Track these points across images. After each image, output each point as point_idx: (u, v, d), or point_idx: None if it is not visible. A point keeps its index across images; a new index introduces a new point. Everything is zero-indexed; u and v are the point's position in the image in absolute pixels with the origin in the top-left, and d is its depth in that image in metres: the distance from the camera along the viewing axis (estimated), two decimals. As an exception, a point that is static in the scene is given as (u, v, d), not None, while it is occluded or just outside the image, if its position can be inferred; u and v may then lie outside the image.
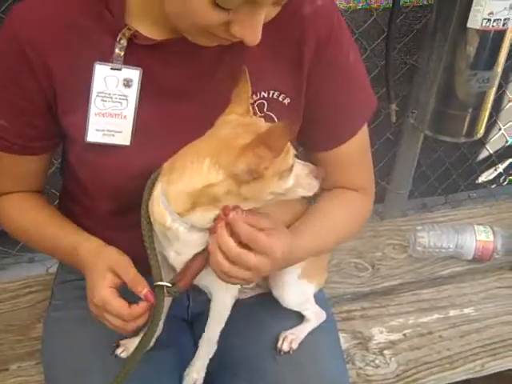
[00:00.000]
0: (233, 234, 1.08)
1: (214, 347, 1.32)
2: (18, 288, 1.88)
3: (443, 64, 2.29)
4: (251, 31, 1.04)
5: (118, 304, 1.16)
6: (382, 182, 2.90)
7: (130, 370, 1.21)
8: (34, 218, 1.35)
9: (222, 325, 1.30)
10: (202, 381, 1.34)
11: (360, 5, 2.72)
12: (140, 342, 1.23)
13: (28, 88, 1.20)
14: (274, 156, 1.01)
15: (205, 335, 1.31)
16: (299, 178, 1.10)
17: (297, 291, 1.40)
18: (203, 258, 1.14)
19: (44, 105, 1.22)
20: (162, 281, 1.17)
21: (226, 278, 1.12)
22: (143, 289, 1.16)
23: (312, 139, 1.37)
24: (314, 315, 1.46)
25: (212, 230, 1.09)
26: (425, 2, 2.72)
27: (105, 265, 1.19)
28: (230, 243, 1.08)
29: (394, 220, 2.39)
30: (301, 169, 1.11)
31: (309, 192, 1.13)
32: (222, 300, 1.26)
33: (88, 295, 1.21)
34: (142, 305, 1.16)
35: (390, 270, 2.07)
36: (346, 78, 1.33)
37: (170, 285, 1.16)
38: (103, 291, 1.16)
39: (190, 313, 1.50)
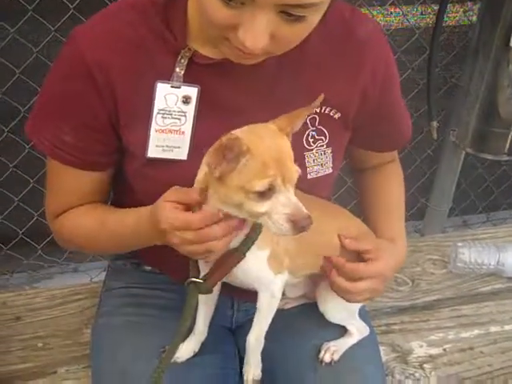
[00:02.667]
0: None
1: (262, 343, 1.33)
2: (67, 295, 1.94)
3: (485, 82, 2.30)
4: (252, 35, 1.06)
5: (179, 213, 1.13)
6: (422, 198, 2.91)
7: (166, 364, 1.25)
8: (95, 213, 1.37)
9: (270, 320, 1.30)
10: (260, 374, 1.36)
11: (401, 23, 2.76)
12: (175, 335, 1.26)
13: (93, 106, 1.25)
14: (225, 165, 1.03)
15: (252, 331, 1.31)
16: (273, 212, 1.05)
17: (342, 307, 1.42)
18: (232, 258, 1.19)
19: (108, 121, 1.27)
20: (198, 278, 1.22)
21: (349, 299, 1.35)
22: (194, 193, 1.13)
23: (357, 142, 1.45)
24: (358, 330, 1.47)
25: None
26: (467, 21, 2.74)
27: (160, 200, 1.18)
28: (340, 282, 1.31)
29: (434, 236, 2.39)
30: (282, 205, 1.05)
31: (275, 230, 1.06)
32: (270, 293, 1.28)
33: (164, 235, 1.16)
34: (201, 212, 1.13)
35: (430, 285, 2.08)
36: (395, 103, 1.44)
37: (201, 281, 1.22)
38: (167, 210, 1.13)
39: (233, 322, 1.53)
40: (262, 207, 1.05)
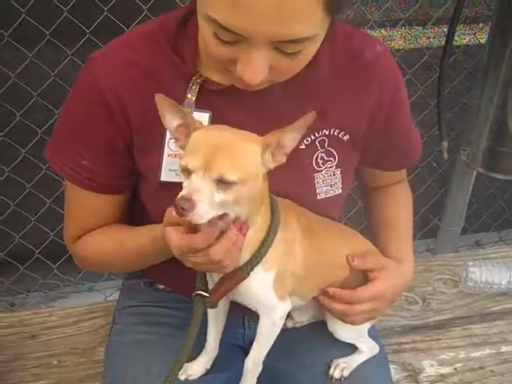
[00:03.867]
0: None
1: (260, 368, 1.35)
2: (82, 313, 1.96)
3: (495, 102, 2.32)
4: (249, 71, 1.10)
5: (182, 237, 1.14)
6: (434, 218, 2.91)
7: (173, 379, 1.26)
8: (116, 235, 1.39)
9: (269, 345, 1.32)
10: None
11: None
12: (181, 348, 1.26)
13: (108, 131, 1.28)
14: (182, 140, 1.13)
15: (250, 355, 1.34)
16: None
17: (352, 327, 1.42)
18: (236, 276, 1.21)
19: (123, 146, 1.30)
20: (204, 291, 1.25)
21: (349, 322, 1.38)
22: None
23: (366, 161, 1.47)
24: (368, 348, 1.49)
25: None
26: (477, 42, 2.76)
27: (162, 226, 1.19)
28: (336, 306, 1.35)
29: (445, 255, 2.40)
30: (185, 187, 1.06)
31: None
32: (271, 320, 1.29)
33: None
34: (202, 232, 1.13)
35: (441, 305, 2.08)
36: (404, 123, 1.45)
37: (207, 295, 1.24)
38: (171, 234, 1.14)
39: (244, 340, 1.55)
40: (184, 186, 1.06)
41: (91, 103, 1.27)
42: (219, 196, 1.05)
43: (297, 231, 1.26)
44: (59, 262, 2.59)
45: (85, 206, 1.39)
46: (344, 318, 1.38)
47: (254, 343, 1.33)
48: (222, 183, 1.04)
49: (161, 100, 1.11)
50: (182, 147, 1.12)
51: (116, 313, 1.64)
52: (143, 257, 1.38)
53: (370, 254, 1.41)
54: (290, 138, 1.11)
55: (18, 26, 2.18)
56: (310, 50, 1.12)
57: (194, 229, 1.13)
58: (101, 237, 1.40)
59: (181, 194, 1.04)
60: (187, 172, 1.06)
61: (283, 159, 1.13)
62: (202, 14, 1.08)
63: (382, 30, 2.78)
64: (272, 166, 1.12)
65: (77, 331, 1.90)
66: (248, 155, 1.08)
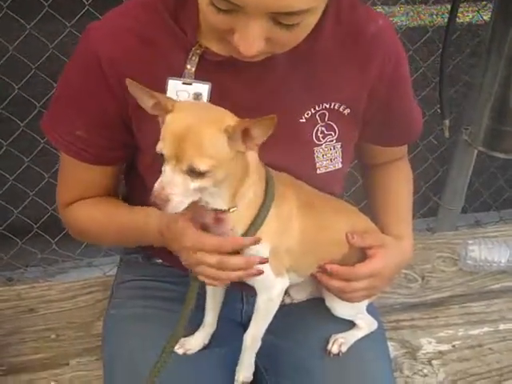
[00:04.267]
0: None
1: (258, 344, 1.35)
2: (79, 288, 1.96)
3: (498, 80, 2.29)
4: (245, 42, 1.08)
5: (209, 236, 1.18)
6: (435, 197, 2.90)
7: (169, 352, 1.28)
8: (105, 208, 1.39)
9: (268, 322, 1.32)
10: (251, 377, 1.37)
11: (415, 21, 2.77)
12: (177, 322, 1.28)
13: (104, 101, 1.27)
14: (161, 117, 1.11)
15: (249, 331, 1.33)
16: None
17: (350, 304, 1.41)
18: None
19: (119, 117, 1.29)
20: None
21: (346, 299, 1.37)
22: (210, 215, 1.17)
23: (366, 136, 1.45)
24: (366, 324, 1.48)
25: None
26: (480, 19, 2.73)
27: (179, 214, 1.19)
28: (334, 283, 1.33)
29: (445, 233, 2.39)
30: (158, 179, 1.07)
31: None
32: (267, 296, 1.29)
33: (179, 250, 1.22)
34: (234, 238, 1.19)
35: (440, 283, 2.08)
36: (405, 98, 1.44)
37: None
38: (191, 230, 1.17)
39: (243, 315, 1.54)
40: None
41: (88, 73, 1.26)
42: (194, 184, 1.05)
43: (294, 206, 1.25)
44: (58, 237, 2.58)
45: (77, 175, 1.38)
46: (341, 295, 1.37)
47: (252, 319, 1.32)
48: (194, 173, 1.04)
49: (131, 85, 1.09)
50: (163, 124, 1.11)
51: (114, 287, 1.63)
52: (131, 236, 1.38)
53: (368, 232, 1.40)
54: (255, 131, 1.05)
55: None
56: (309, 22, 1.10)
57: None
58: (92, 208, 1.40)
59: (154, 187, 1.05)
60: (162, 158, 1.06)
61: (254, 149, 1.10)
62: None
63: (386, 7, 2.75)
64: (244, 150, 1.09)
65: (75, 305, 1.90)
66: (213, 142, 1.05)
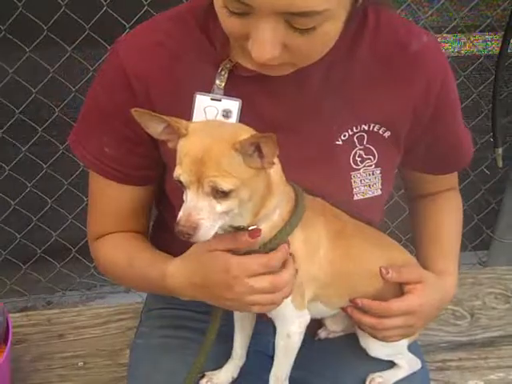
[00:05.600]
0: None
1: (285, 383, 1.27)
2: (110, 314, 1.92)
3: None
4: (258, 46, 1.03)
5: (254, 256, 1.12)
6: (487, 229, 2.80)
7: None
8: (127, 250, 1.35)
9: (291, 359, 1.25)
10: None
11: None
12: (199, 352, 1.26)
13: (132, 118, 1.22)
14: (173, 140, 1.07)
15: (272, 371, 1.27)
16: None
17: (385, 344, 1.33)
18: None
19: (147, 134, 1.23)
20: None
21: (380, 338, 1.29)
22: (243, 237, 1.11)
23: (411, 164, 1.38)
24: (408, 363, 1.39)
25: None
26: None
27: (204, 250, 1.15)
28: (365, 319, 1.26)
29: (497, 268, 2.26)
30: (184, 205, 1.02)
31: None
32: (286, 332, 1.22)
33: (225, 290, 1.14)
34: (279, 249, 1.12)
35: (491, 321, 1.96)
36: (452, 121, 1.35)
37: None
38: (233, 258, 1.11)
39: (273, 348, 1.46)
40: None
41: (115, 87, 1.23)
42: (221, 206, 1.01)
43: (323, 234, 1.18)
44: (95, 262, 2.57)
45: (105, 198, 1.34)
46: (374, 332, 1.28)
47: (274, 358, 1.26)
48: (219, 194, 1.00)
49: (138, 113, 1.05)
50: (175, 148, 1.06)
51: (142, 315, 1.60)
52: (150, 287, 1.35)
53: (406, 266, 1.31)
54: (264, 148, 1.00)
55: (58, 21, 2.16)
56: (327, 29, 1.03)
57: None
58: (114, 250, 1.36)
59: (178, 217, 1.01)
60: (181, 185, 1.02)
61: (269, 167, 1.04)
62: None
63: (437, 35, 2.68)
64: (260, 167, 1.03)
65: (105, 332, 1.87)
66: (229, 159, 1.00)
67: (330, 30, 1.05)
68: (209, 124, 1.11)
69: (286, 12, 0.98)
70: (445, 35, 2.65)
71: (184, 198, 1.03)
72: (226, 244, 1.12)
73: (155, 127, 1.06)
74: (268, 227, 1.11)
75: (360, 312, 1.26)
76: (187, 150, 1.02)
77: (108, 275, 1.45)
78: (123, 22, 2.19)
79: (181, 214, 1.01)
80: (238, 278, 1.11)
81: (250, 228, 1.10)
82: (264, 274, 1.11)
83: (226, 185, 0.99)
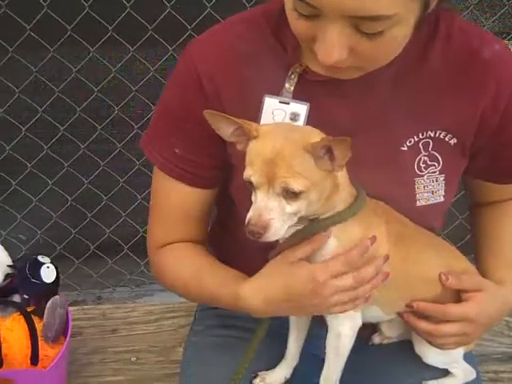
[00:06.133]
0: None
1: None
2: (163, 311, 1.93)
3: None
4: (324, 48, 1.03)
5: (335, 257, 1.13)
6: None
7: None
8: (193, 266, 1.34)
9: (341, 361, 1.24)
10: None
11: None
12: (250, 344, 1.27)
13: (202, 118, 1.21)
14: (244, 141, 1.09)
15: (323, 372, 1.26)
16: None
17: (441, 352, 1.31)
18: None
19: (216, 134, 1.23)
20: None
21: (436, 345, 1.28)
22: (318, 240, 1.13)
23: (474, 171, 1.35)
24: (463, 372, 1.37)
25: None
26: None
27: (281, 263, 1.17)
28: (421, 324, 1.25)
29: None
30: (253, 206, 1.03)
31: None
32: (338, 331, 1.22)
33: (305, 299, 1.15)
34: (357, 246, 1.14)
35: (547, 334, 1.90)
36: None
37: None
38: (315, 266, 1.13)
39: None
40: (253, 202, 1.04)
41: (187, 87, 1.24)
42: (291, 207, 1.02)
43: (383, 235, 1.17)
44: (147, 259, 2.59)
45: (170, 201, 1.34)
46: (430, 339, 1.27)
47: (325, 359, 1.25)
48: (289, 194, 1.01)
49: (210, 115, 1.07)
50: (244, 150, 1.08)
51: (197, 313, 1.61)
52: (219, 305, 1.34)
53: (466, 273, 1.28)
54: (335, 152, 1.01)
55: (121, 22, 2.20)
56: (394, 34, 1.03)
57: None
58: (181, 262, 1.35)
59: (248, 216, 1.02)
60: (251, 186, 1.04)
61: (339, 170, 1.05)
62: None
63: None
64: (331, 169, 1.05)
65: (157, 329, 1.88)
66: (301, 161, 1.02)
67: (398, 35, 1.05)
68: (279, 126, 1.11)
69: (354, 16, 0.98)
70: (506, 42, 2.60)
71: (253, 198, 1.04)
72: (304, 250, 1.14)
73: (226, 129, 1.07)
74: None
75: (417, 317, 1.25)
76: (259, 151, 1.03)
77: (170, 288, 1.42)
78: (185, 23, 2.21)
79: (251, 213, 1.02)
80: (324, 283, 1.12)
81: None
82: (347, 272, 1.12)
83: (297, 186, 1.00)
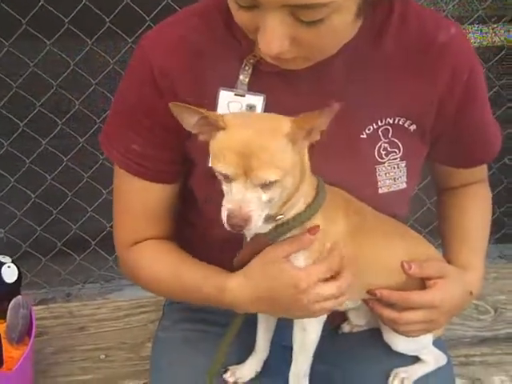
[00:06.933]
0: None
1: (305, 381, 1.26)
2: (132, 307, 1.92)
3: None
4: (265, 40, 1.03)
5: (318, 264, 1.14)
6: (510, 222, 2.77)
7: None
8: (171, 264, 1.31)
9: (308, 355, 1.24)
10: None
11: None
12: (224, 339, 1.26)
13: (157, 111, 1.21)
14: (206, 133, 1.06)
15: (291, 369, 1.26)
16: (224, 202, 1.03)
17: (410, 339, 1.31)
18: (258, 240, 1.15)
19: (173, 127, 1.21)
20: None
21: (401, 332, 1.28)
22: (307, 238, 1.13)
23: (437, 156, 1.36)
24: (433, 358, 1.37)
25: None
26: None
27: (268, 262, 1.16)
28: (386, 312, 1.25)
29: (521, 262, 2.24)
30: (230, 198, 1.02)
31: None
32: (304, 325, 1.21)
33: (286, 302, 1.15)
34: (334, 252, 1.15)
35: (515, 315, 1.93)
36: (479, 112, 1.32)
37: None
38: (298, 271, 1.13)
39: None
40: (224, 189, 1.03)
41: (142, 82, 1.22)
42: (266, 195, 1.01)
43: (341, 226, 1.17)
44: (115, 254, 2.57)
45: (132, 197, 1.31)
46: (395, 327, 1.27)
47: (293, 355, 1.25)
48: (265, 184, 1.00)
49: (174, 106, 1.04)
50: (207, 140, 1.06)
51: (165, 308, 1.59)
52: (202, 301, 1.30)
53: (429, 261, 1.28)
54: (320, 122, 1.02)
55: (78, 14, 2.16)
56: (335, 22, 1.02)
57: None
58: (156, 262, 1.32)
59: (227, 210, 1.01)
60: (224, 177, 1.01)
61: (317, 137, 1.05)
62: None
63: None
64: (306, 145, 1.06)
65: (126, 325, 1.86)
66: (280, 151, 1.01)
67: (339, 23, 1.03)
68: (246, 116, 1.10)
69: (291, 5, 0.97)
70: (467, 26, 2.62)
71: (225, 189, 1.03)
72: (291, 249, 1.13)
73: (190, 119, 1.05)
74: (293, 215, 1.12)
75: (381, 305, 1.25)
76: (229, 143, 1.01)
77: (146, 288, 1.39)
78: (144, 14, 2.17)
79: (230, 206, 1.00)
80: (307, 290, 1.12)
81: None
82: (329, 279, 1.13)
83: (274, 176, 0.99)
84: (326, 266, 1.13)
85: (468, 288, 1.34)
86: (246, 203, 1.00)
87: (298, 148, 1.03)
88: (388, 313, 1.24)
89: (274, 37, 1.01)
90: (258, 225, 1.02)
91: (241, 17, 1.05)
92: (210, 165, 1.05)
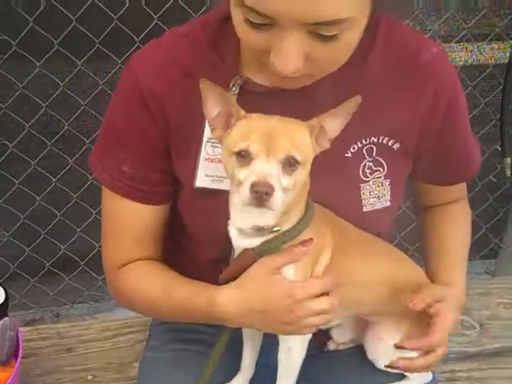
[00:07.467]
0: None
1: None
2: (119, 327, 1.92)
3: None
4: (281, 58, 1.03)
5: (315, 278, 1.17)
6: (495, 238, 2.78)
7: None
8: (160, 282, 1.30)
9: (293, 375, 1.24)
10: None
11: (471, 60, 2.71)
12: (210, 358, 1.26)
13: (148, 133, 1.23)
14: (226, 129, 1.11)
15: None
16: (245, 180, 1.03)
17: (393, 356, 1.32)
18: (245, 256, 1.16)
19: (163, 148, 1.24)
20: None
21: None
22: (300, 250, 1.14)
23: (418, 174, 1.38)
24: (418, 375, 1.38)
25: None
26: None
27: (261, 274, 1.16)
28: (419, 364, 1.31)
29: (506, 278, 2.25)
30: (253, 173, 1.02)
31: (240, 200, 1.05)
32: (288, 345, 1.22)
33: (279, 314, 1.16)
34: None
35: (501, 331, 1.94)
36: (461, 131, 1.35)
37: None
38: (294, 282, 1.15)
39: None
40: (241, 173, 1.04)
41: (131, 104, 1.23)
42: (285, 180, 1.03)
43: (325, 245, 1.18)
44: (104, 275, 2.56)
45: (120, 219, 1.31)
46: (430, 369, 1.35)
47: (277, 374, 1.25)
48: (286, 166, 1.03)
49: (205, 85, 1.08)
50: (219, 137, 1.11)
51: (152, 328, 1.59)
52: (193, 317, 1.29)
53: (424, 289, 1.30)
54: (332, 123, 1.09)
55: (67, 35, 2.18)
56: (348, 38, 1.04)
57: None
58: (145, 280, 1.32)
59: (251, 180, 1.01)
60: (244, 157, 1.04)
61: (327, 145, 1.11)
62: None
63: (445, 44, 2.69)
64: (317, 150, 1.11)
65: (114, 345, 1.86)
66: (303, 137, 1.08)
67: (352, 38, 1.06)
68: (263, 115, 1.12)
69: (312, 23, 0.98)
70: (452, 45, 2.65)
71: (240, 173, 1.05)
72: (284, 260, 1.14)
73: (213, 106, 1.09)
74: (286, 229, 1.14)
75: (409, 361, 1.30)
76: (254, 127, 1.06)
77: (132, 306, 1.39)
78: (133, 35, 2.19)
79: (254, 178, 1.01)
80: (301, 302, 1.13)
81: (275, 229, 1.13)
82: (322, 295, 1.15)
83: (298, 156, 1.03)
84: (323, 283, 1.15)
85: (458, 304, 1.36)
86: (270, 175, 1.01)
87: (319, 141, 1.09)
88: (420, 363, 1.31)
89: (291, 55, 1.02)
90: (278, 205, 1.02)
91: (252, 37, 1.04)
92: (232, 150, 1.06)
